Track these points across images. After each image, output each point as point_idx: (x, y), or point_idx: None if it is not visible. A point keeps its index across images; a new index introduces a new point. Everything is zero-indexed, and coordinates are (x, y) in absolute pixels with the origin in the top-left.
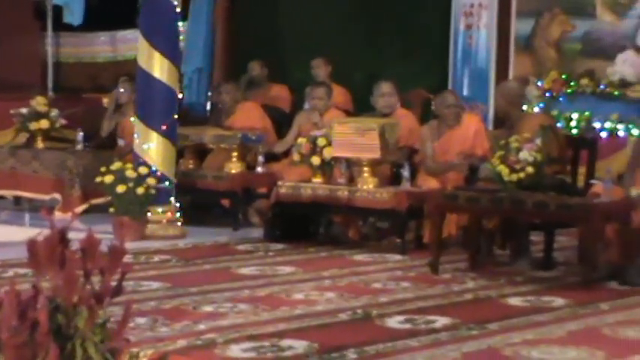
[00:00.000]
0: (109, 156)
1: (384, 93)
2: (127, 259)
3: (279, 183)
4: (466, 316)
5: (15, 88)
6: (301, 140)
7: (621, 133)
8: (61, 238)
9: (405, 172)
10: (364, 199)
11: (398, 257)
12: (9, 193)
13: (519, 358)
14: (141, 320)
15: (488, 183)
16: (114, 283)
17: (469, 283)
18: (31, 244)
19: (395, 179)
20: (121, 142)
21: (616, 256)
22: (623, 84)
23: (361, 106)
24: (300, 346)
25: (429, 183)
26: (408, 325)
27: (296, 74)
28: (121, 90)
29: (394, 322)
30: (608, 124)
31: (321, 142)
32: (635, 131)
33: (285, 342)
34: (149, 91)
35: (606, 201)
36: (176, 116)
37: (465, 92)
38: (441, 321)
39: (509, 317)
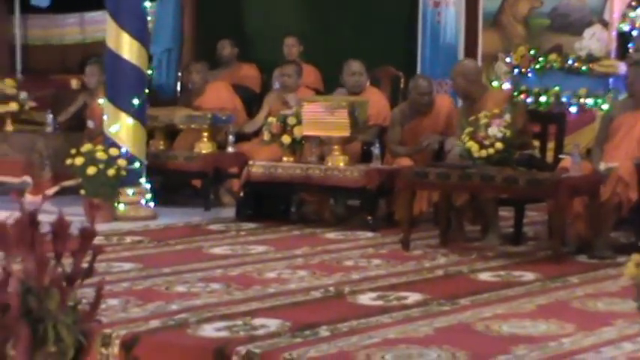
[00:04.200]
0: (78, 138)
1: (354, 72)
2: (99, 240)
3: (250, 162)
4: (437, 291)
5: None
6: (271, 119)
7: (589, 108)
8: (31, 220)
9: (376, 150)
10: (335, 177)
11: (369, 235)
12: None
13: (490, 333)
14: (113, 301)
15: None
16: (85, 265)
17: (440, 259)
18: (1, 227)
19: (365, 157)
20: (90, 124)
21: (585, 230)
22: (591, 59)
23: (331, 86)
24: (272, 324)
25: (399, 161)
26: (380, 302)
27: (265, 54)
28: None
29: (366, 298)
30: (576, 99)
31: (291, 121)
32: (603, 106)
33: (258, 320)
34: (118, 72)
35: (575, 175)
36: (145, 97)
37: (434, 69)
38: (413, 297)
39: (480, 292)
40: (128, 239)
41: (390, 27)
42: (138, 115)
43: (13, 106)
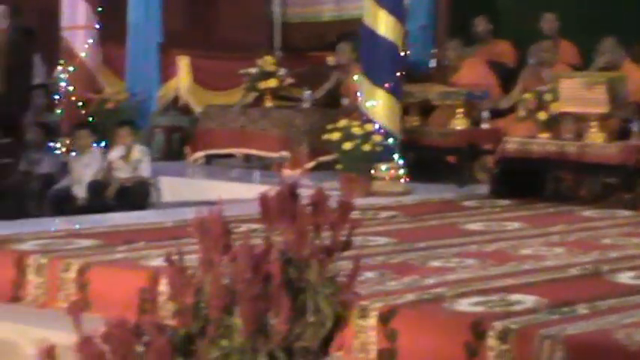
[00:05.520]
0: (334, 114)
1: (606, 49)
2: (355, 214)
3: (505, 139)
4: None
5: (243, 48)
6: (527, 96)
7: None
8: (291, 193)
9: (634, 127)
10: (592, 154)
11: (627, 213)
12: (239, 152)
13: None
14: (369, 274)
15: None
16: (343, 238)
17: None
18: (264, 200)
19: (623, 134)
20: (344, 101)
21: None
22: None
23: (588, 62)
24: (528, 300)
25: None
26: (639, 282)
27: (520, 29)
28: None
29: (625, 277)
30: None
31: (547, 97)
32: None
33: (514, 296)
34: (374, 48)
35: None
36: (401, 73)
37: None
38: None
39: None
40: (383, 214)
41: None
42: (393, 91)
43: (272, 83)
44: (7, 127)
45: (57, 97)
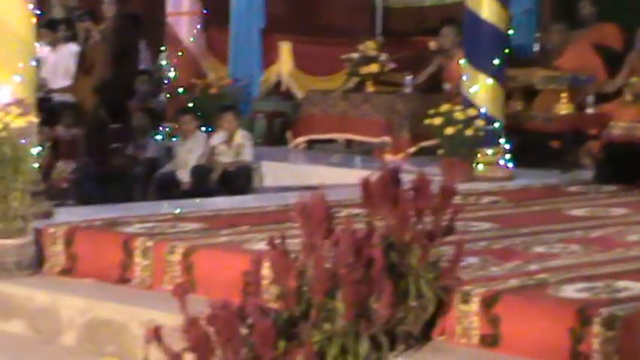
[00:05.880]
0: (435, 99)
1: None
2: (456, 200)
3: (611, 124)
4: None
5: (344, 33)
6: (634, 79)
7: None
8: (393, 178)
9: None
10: None
11: None
12: (340, 137)
13: None
14: (472, 260)
15: None
16: (445, 223)
17: None
18: (365, 185)
19: None
20: (446, 86)
21: None
22: None
23: None
24: (636, 287)
25: None
26: None
27: (627, 12)
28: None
29: None
30: None
31: None
32: None
33: (620, 283)
34: (477, 33)
35: None
36: (505, 58)
37: None
38: None
39: None
40: (485, 199)
41: None
42: (497, 75)
43: (373, 68)
44: (115, 112)
45: (161, 83)
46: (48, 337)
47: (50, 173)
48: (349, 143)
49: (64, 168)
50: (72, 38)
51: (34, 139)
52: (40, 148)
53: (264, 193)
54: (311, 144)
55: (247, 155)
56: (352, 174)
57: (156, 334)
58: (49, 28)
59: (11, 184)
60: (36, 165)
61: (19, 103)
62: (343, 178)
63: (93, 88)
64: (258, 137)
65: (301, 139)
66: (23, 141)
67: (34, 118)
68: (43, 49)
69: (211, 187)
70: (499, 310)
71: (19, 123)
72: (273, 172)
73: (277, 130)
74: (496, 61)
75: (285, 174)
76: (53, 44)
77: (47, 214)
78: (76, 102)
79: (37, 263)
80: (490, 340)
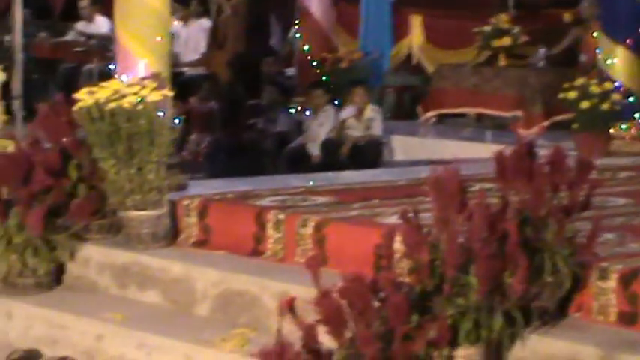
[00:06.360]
0: (569, 72)
1: None
2: (592, 175)
3: None
4: None
5: (476, 6)
6: None
7: None
8: (528, 152)
9: None
10: None
11: None
12: (471, 111)
13: None
14: (609, 235)
15: None
16: (581, 198)
17: None
18: (499, 159)
19: None
20: (582, 58)
21: None
22: None
23: None
24: None
25: None
26: None
27: None
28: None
29: None
30: None
31: None
32: None
33: None
34: (614, 4)
35: None
36: None
37: None
38: None
39: None
40: (622, 174)
41: None
42: (634, 48)
43: (506, 41)
44: (248, 87)
45: (292, 57)
46: (182, 308)
47: (183, 146)
48: (480, 117)
49: (198, 141)
50: (204, 13)
51: (169, 113)
52: (176, 121)
53: (394, 168)
54: (441, 118)
55: (377, 129)
56: (483, 148)
57: (289, 306)
58: (181, 2)
59: (147, 156)
60: (171, 138)
61: (154, 76)
62: (474, 153)
63: (226, 63)
64: (387, 111)
65: (431, 113)
66: (159, 114)
67: (168, 92)
68: (175, 24)
69: (341, 160)
70: (638, 288)
71: (154, 96)
72: (403, 147)
73: (407, 104)
74: (633, 33)
75: (415, 148)
76: (185, 19)
77: (181, 187)
78: (211, 75)
79: (171, 235)
80: (628, 318)
